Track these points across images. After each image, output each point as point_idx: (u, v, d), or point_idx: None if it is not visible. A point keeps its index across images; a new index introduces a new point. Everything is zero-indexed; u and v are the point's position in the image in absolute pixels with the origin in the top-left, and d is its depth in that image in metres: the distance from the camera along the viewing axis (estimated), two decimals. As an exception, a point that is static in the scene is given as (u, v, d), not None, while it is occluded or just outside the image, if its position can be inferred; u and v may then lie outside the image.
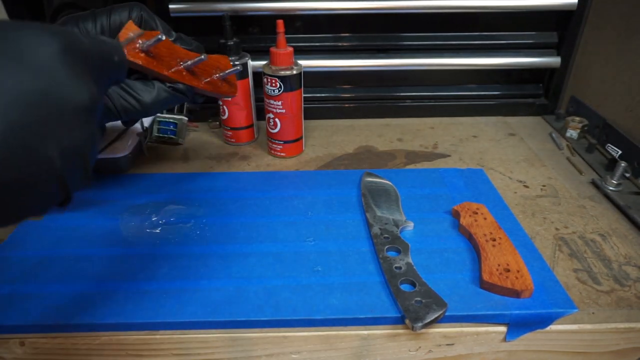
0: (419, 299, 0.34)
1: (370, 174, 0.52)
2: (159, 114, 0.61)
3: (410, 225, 0.44)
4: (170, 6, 0.60)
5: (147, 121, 0.60)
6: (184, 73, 0.36)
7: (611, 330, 0.36)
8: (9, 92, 0.19)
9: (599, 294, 0.37)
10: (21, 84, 0.20)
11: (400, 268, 0.38)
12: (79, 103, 0.22)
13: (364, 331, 0.35)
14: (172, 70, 0.35)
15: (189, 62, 0.36)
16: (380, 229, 0.43)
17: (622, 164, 0.50)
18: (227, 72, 0.40)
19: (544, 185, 0.53)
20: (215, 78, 0.39)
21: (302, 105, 0.57)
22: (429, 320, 0.33)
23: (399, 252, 0.40)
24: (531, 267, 0.39)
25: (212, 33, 0.64)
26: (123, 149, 0.54)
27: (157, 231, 0.44)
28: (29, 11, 0.72)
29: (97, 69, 0.25)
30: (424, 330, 0.35)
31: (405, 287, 0.36)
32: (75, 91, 0.22)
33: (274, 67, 0.53)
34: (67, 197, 0.24)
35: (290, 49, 0.53)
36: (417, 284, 0.36)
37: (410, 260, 0.39)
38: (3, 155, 0.19)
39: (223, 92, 0.41)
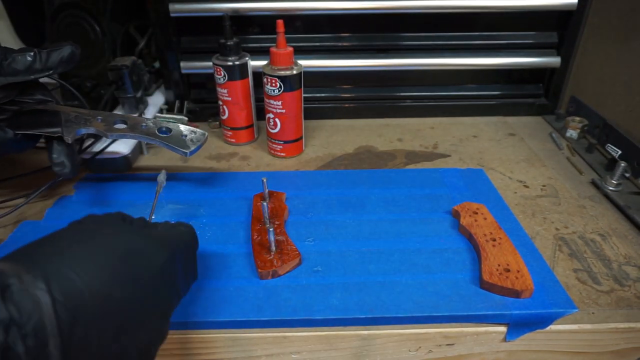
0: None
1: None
2: (158, 114, 0.61)
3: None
4: (170, 6, 0.60)
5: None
6: None
7: (611, 330, 0.36)
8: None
9: (598, 294, 0.37)
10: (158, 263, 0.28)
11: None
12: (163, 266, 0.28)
13: (364, 331, 0.35)
14: None
15: None
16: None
17: (622, 164, 0.50)
18: None
19: (544, 185, 0.53)
20: None
21: (302, 105, 0.57)
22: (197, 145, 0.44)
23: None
24: (531, 267, 0.39)
25: (212, 33, 0.64)
26: (123, 149, 0.54)
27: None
28: (29, 11, 0.72)
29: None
30: (424, 330, 0.35)
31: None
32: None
33: (274, 67, 0.53)
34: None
35: (290, 49, 0.53)
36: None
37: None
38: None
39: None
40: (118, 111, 0.62)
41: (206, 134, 0.48)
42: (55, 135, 0.43)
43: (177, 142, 0.47)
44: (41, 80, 0.45)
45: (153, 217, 0.43)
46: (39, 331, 0.20)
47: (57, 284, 0.21)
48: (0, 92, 0.41)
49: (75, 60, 0.43)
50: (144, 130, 0.46)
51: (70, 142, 0.43)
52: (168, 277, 0.29)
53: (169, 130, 0.47)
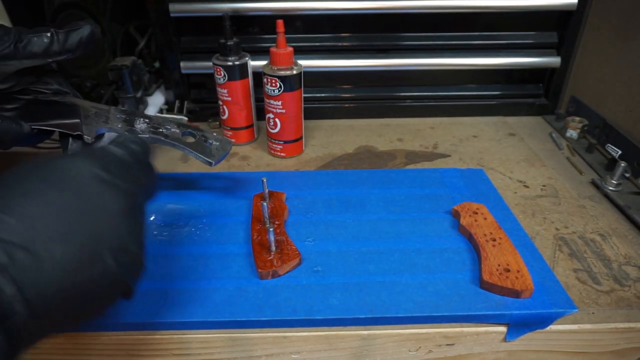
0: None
1: None
2: (158, 114, 0.61)
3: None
4: (170, 6, 0.60)
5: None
6: None
7: (611, 330, 0.36)
8: (65, 215, 0.24)
9: (598, 294, 0.37)
10: (73, 206, 0.25)
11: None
12: (118, 209, 0.26)
13: (364, 331, 0.35)
14: None
15: None
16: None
17: (622, 164, 0.50)
18: None
19: (544, 185, 0.53)
20: None
21: (302, 105, 0.57)
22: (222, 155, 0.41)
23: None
24: (531, 267, 0.39)
25: (212, 33, 0.64)
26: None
27: (157, 231, 0.44)
28: (29, 11, 0.72)
29: (134, 178, 0.30)
30: (424, 330, 0.35)
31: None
32: (113, 200, 0.26)
33: (274, 67, 0.53)
34: (128, 289, 0.27)
35: (290, 49, 0.53)
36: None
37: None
38: (69, 265, 0.23)
39: None
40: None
41: (232, 141, 0.45)
42: (74, 133, 0.41)
43: (202, 149, 0.44)
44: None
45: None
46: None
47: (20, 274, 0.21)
48: (13, 78, 0.39)
49: (96, 41, 0.41)
50: (168, 134, 0.44)
51: (90, 141, 0.41)
52: (130, 218, 0.27)
53: (193, 135, 0.45)
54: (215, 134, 0.46)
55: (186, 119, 0.52)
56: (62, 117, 0.41)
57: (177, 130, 0.44)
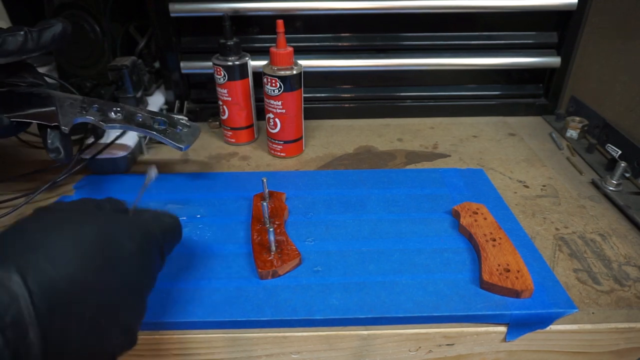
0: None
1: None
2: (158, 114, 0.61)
3: None
4: (170, 6, 0.60)
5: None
6: None
7: (611, 330, 0.36)
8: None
9: (598, 294, 0.37)
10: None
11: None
12: (141, 280, 0.29)
13: (364, 331, 0.35)
14: None
15: None
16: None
17: (622, 164, 0.50)
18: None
19: (544, 185, 0.53)
20: None
21: (302, 105, 0.57)
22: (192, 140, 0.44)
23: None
24: (531, 267, 0.39)
25: (212, 33, 0.64)
26: (123, 149, 0.54)
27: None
28: (29, 11, 0.72)
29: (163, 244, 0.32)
30: (424, 330, 0.35)
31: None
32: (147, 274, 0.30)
33: (274, 67, 0.53)
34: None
35: (290, 49, 0.53)
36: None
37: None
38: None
39: None
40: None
41: (199, 127, 0.49)
42: (52, 124, 0.43)
43: (172, 136, 0.47)
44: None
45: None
46: (17, 323, 0.20)
47: (31, 275, 0.22)
48: None
49: (68, 37, 0.42)
50: (140, 122, 0.46)
51: (67, 132, 0.43)
52: (142, 260, 0.29)
53: (164, 122, 0.47)
54: (185, 120, 0.49)
55: (186, 118, 0.52)
56: (38, 108, 0.43)
57: (149, 118, 0.47)
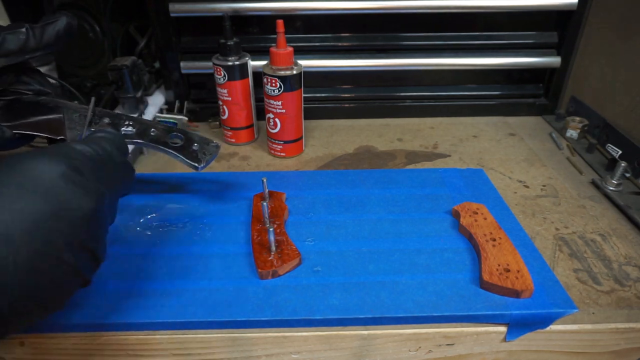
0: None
1: None
2: (158, 114, 0.61)
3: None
4: (170, 6, 0.60)
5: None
6: None
7: (611, 330, 0.35)
8: (26, 217, 0.24)
9: (599, 294, 0.37)
10: (34, 209, 0.24)
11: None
12: (83, 211, 0.26)
13: (364, 331, 0.35)
14: None
15: None
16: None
17: (622, 164, 0.50)
18: None
19: (544, 185, 0.53)
20: None
21: (302, 105, 0.57)
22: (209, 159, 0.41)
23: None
24: (531, 267, 0.39)
25: (212, 33, 0.64)
26: (123, 149, 0.54)
27: (157, 231, 0.44)
28: (28, 11, 0.72)
29: (105, 177, 0.30)
30: (424, 330, 0.35)
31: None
32: (79, 202, 0.26)
33: (274, 67, 0.53)
34: (85, 281, 0.28)
35: (290, 49, 0.53)
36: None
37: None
38: (30, 266, 0.23)
39: None
40: (118, 111, 0.62)
41: (219, 145, 0.44)
42: (58, 138, 0.41)
43: (188, 154, 0.43)
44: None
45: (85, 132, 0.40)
46: None
47: None
48: None
49: (73, 33, 0.39)
50: (153, 137, 0.43)
51: None
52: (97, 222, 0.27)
53: (180, 139, 0.43)
54: (200, 134, 0.45)
55: (186, 118, 0.52)
56: (45, 122, 0.40)
57: (163, 133, 0.43)
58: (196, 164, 0.43)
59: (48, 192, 0.25)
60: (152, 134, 0.43)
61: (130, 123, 0.43)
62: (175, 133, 0.44)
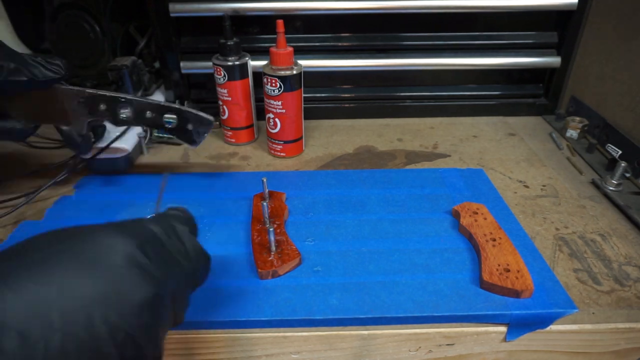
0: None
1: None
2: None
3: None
4: (170, 6, 0.60)
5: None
6: None
7: (611, 330, 0.35)
8: (73, 295, 0.21)
9: (599, 294, 0.37)
10: (86, 287, 0.21)
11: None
12: (138, 298, 0.23)
13: (364, 331, 0.35)
14: None
15: None
16: None
17: (622, 164, 0.50)
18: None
19: (544, 185, 0.53)
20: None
21: (302, 105, 0.57)
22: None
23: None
24: (531, 267, 0.39)
25: (212, 33, 0.64)
26: (123, 149, 0.54)
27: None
28: (28, 11, 0.72)
29: (173, 267, 0.26)
30: (424, 330, 0.35)
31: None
32: (136, 288, 0.23)
33: (274, 67, 0.53)
34: None
35: (290, 48, 0.53)
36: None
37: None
38: (63, 355, 0.20)
39: None
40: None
41: (212, 121, 0.47)
42: (64, 128, 0.44)
43: (182, 135, 0.46)
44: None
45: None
46: None
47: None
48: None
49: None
50: (149, 121, 0.46)
51: (82, 135, 0.44)
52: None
53: (173, 119, 0.46)
54: (195, 111, 0.47)
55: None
56: (52, 111, 0.43)
57: (159, 117, 0.46)
58: (192, 145, 0.48)
59: (106, 271, 0.23)
60: (147, 116, 0.45)
61: (126, 106, 0.45)
62: (169, 116, 0.46)
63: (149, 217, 0.29)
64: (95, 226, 0.25)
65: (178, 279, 0.26)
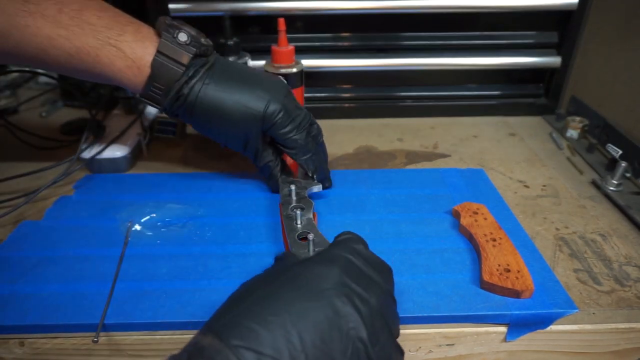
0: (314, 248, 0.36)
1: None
2: (158, 114, 0.61)
3: (319, 187, 0.47)
4: (170, 6, 0.60)
5: (147, 121, 0.60)
6: None
7: (611, 331, 0.35)
8: (317, 335, 0.24)
9: (599, 294, 0.37)
10: (322, 325, 0.24)
11: (300, 223, 0.39)
12: (355, 325, 0.25)
13: (364, 331, 0.35)
14: None
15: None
16: (289, 189, 0.44)
17: (623, 164, 0.50)
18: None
19: (544, 185, 0.53)
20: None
21: (304, 103, 0.57)
22: None
23: (302, 209, 0.41)
24: (531, 267, 0.39)
25: (212, 33, 0.64)
26: (123, 149, 0.54)
27: (157, 231, 0.44)
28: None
29: (372, 286, 0.28)
30: (424, 330, 0.35)
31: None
32: (354, 318, 0.25)
33: (276, 65, 0.53)
34: None
35: (292, 46, 0.53)
36: (313, 235, 0.37)
37: (310, 216, 0.41)
38: None
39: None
40: (117, 111, 0.62)
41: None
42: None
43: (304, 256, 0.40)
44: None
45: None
46: None
47: None
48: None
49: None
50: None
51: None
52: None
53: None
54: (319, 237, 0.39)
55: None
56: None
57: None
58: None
59: (330, 302, 0.25)
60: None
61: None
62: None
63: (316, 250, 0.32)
64: (311, 260, 0.28)
65: (378, 296, 0.27)
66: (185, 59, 0.42)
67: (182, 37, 0.42)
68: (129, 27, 0.42)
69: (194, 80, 0.43)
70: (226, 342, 0.22)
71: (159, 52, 0.42)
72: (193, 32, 0.43)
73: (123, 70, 0.42)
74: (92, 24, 0.41)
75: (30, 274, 0.39)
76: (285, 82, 0.50)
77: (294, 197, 0.44)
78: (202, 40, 0.43)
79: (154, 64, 0.41)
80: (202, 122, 0.45)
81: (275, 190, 0.49)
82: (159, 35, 0.43)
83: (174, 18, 0.44)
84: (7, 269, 0.39)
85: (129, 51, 0.41)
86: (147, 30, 0.43)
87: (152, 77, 0.42)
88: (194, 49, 0.42)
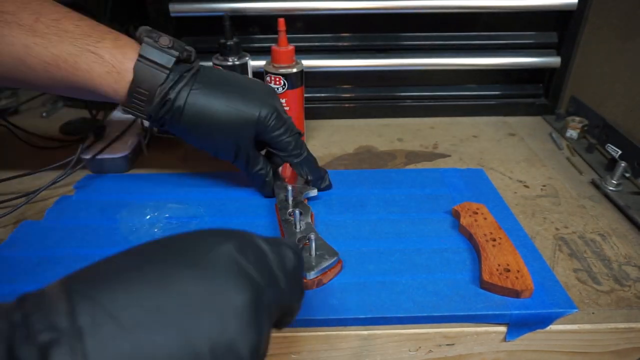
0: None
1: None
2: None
3: (314, 191, 0.48)
4: (170, 6, 0.60)
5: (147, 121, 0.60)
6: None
7: (611, 330, 0.36)
8: (185, 306, 0.21)
9: (599, 294, 0.37)
10: (196, 296, 0.21)
11: (299, 228, 0.40)
12: (241, 300, 0.22)
13: (364, 331, 0.35)
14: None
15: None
16: (285, 195, 0.45)
17: (622, 164, 0.50)
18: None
19: (544, 185, 0.53)
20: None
21: (304, 103, 0.57)
22: (320, 268, 0.37)
23: (300, 213, 0.41)
24: (531, 267, 0.39)
25: (212, 33, 0.64)
26: (123, 149, 0.54)
27: (157, 231, 0.44)
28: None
29: (271, 281, 0.25)
30: (424, 330, 0.35)
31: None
32: (239, 290, 0.22)
33: (276, 65, 0.53)
34: None
35: (292, 46, 0.53)
36: (314, 239, 0.37)
37: (309, 220, 0.42)
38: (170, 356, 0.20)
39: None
40: (117, 111, 0.62)
41: (336, 259, 0.39)
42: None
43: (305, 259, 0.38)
44: None
45: None
46: None
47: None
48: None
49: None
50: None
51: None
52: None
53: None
54: (328, 248, 0.39)
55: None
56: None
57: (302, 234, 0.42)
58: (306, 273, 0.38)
59: (214, 274, 0.22)
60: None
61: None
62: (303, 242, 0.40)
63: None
64: (207, 232, 0.26)
65: (275, 295, 0.25)
66: (169, 62, 0.41)
67: (164, 40, 0.41)
68: (108, 35, 0.41)
69: (180, 85, 0.42)
70: (67, 285, 0.20)
71: (141, 55, 0.40)
72: (174, 39, 0.42)
73: (102, 76, 0.40)
74: (69, 32, 0.39)
75: (31, 274, 0.39)
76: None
77: (290, 202, 0.44)
78: (185, 46, 0.43)
79: (136, 68, 0.40)
80: (191, 129, 0.44)
81: (268, 195, 0.49)
82: (139, 43, 0.42)
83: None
84: (7, 269, 0.39)
85: (108, 57, 0.40)
86: (126, 39, 0.42)
87: (135, 82, 0.40)
88: (177, 53, 0.41)
